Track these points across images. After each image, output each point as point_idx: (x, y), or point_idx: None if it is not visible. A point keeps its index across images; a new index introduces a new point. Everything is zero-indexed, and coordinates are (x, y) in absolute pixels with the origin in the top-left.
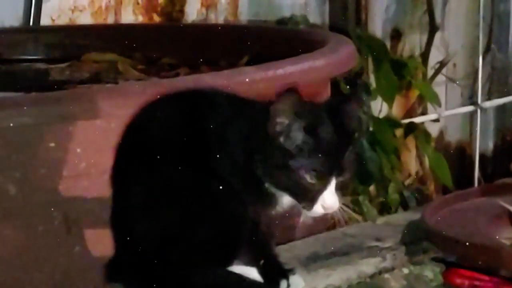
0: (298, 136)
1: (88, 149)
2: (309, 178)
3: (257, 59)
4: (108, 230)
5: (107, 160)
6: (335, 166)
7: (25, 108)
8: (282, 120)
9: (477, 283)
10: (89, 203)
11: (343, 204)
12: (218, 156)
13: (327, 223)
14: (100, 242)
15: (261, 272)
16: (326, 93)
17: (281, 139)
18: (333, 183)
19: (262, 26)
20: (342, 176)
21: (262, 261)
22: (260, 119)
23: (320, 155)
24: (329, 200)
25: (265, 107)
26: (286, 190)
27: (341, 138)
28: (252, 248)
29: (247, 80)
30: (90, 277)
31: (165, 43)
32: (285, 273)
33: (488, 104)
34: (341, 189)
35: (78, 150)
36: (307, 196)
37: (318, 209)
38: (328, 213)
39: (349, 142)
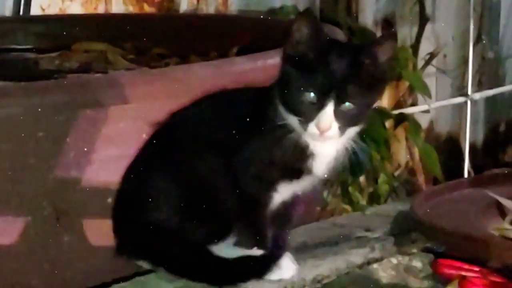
0: (310, 56)
1: (78, 139)
2: (309, 98)
3: (247, 50)
4: (99, 220)
5: (98, 150)
6: (335, 91)
7: (14, 97)
8: (301, 31)
9: (466, 273)
10: (79, 193)
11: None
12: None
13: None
14: (89, 232)
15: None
16: None
17: (297, 59)
18: (330, 106)
19: (252, 16)
20: (342, 103)
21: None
22: None
23: (322, 76)
24: (323, 120)
25: None
26: (293, 110)
27: (352, 73)
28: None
29: (236, 70)
30: (79, 267)
31: (155, 33)
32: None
33: (478, 95)
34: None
35: (68, 140)
36: (306, 115)
37: (312, 129)
38: (325, 138)
39: (362, 82)
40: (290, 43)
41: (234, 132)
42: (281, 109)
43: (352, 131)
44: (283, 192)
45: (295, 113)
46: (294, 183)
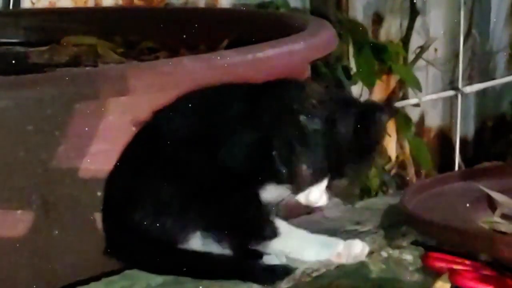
0: (317, 122)
1: (67, 133)
2: (304, 169)
3: (237, 43)
4: (88, 214)
5: (87, 143)
6: (334, 169)
7: (3, 91)
8: (312, 100)
9: (456, 267)
10: (68, 187)
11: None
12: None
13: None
14: (79, 226)
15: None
16: (305, 77)
17: (302, 117)
18: (323, 184)
19: (242, 10)
20: (339, 181)
21: None
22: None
23: (323, 153)
24: (313, 196)
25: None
26: (284, 169)
27: (354, 145)
28: None
29: (226, 63)
30: (69, 261)
31: (145, 26)
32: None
33: (469, 89)
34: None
35: (57, 133)
36: (297, 181)
37: (301, 198)
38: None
39: (362, 152)
40: (305, 104)
41: (223, 128)
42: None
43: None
44: (270, 192)
45: (286, 173)
46: (283, 186)
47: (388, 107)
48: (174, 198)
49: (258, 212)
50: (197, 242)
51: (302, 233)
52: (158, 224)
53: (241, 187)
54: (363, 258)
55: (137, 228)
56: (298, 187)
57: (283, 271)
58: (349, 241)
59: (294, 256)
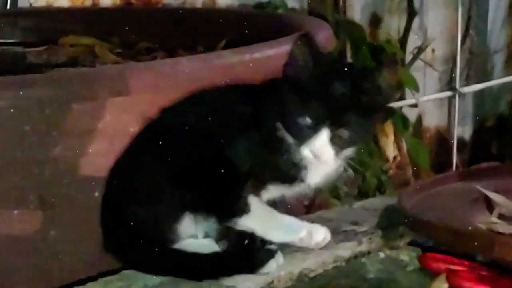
0: (308, 80)
1: (64, 133)
2: (304, 120)
3: (235, 43)
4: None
5: (84, 144)
6: (330, 118)
7: (1, 91)
8: (300, 54)
9: (453, 267)
10: (65, 187)
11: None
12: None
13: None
14: (76, 226)
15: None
16: None
17: (296, 69)
18: (324, 134)
19: (240, 10)
20: (337, 129)
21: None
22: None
23: (318, 103)
24: (318, 146)
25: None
26: (289, 130)
27: (350, 99)
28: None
29: (224, 63)
30: (66, 261)
31: (142, 27)
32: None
33: (466, 89)
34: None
35: (54, 133)
36: (301, 138)
37: (306, 152)
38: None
39: (361, 108)
40: (289, 65)
41: (229, 127)
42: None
43: (350, 151)
44: (271, 192)
45: (291, 133)
46: (285, 186)
47: (389, 66)
48: (167, 187)
49: (231, 187)
50: (189, 227)
51: (272, 213)
52: (151, 214)
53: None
54: (323, 245)
55: (131, 220)
56: (302, 139)
57: (266, 255)
58: (313, 227)
59: (259, 235)
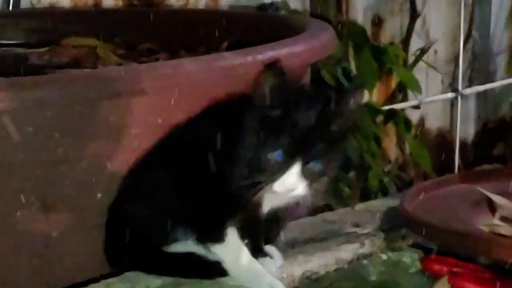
0: (273, 111)
1: (65, 135)
2: (275, 156)
3: (237, 45)
4: (88, 216)
5: (86, 145)
6: (302, 152)
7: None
8: (264, 88)
9: (455, 270)
10: (67, 189)
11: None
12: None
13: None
14: (78, 228)
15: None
16: (305, 79)
17: (264, 98)
18: (296, 168)
19: (242, 11)
20: (309, 163)
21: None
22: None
23: (289, 136)
24: (289, 181)
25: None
26: (255, 167)
27: (320, 129)
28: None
29: (226, 65)
30: (68, 263)
31: (145, 28)
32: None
33: (469, 91)
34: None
35: (56, 135)
36: (270, 174)
37: (277, 187)
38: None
39: (330, 137)
40: (258, 94)
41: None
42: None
43: (322, 182)
44: (270, 201)
45: (258, 170)
46: (279, 196)
47: (355, 91)
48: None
49: (215, 211)
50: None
51: (243, 253)
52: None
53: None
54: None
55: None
56: (272, 175)
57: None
58: (275, 284)
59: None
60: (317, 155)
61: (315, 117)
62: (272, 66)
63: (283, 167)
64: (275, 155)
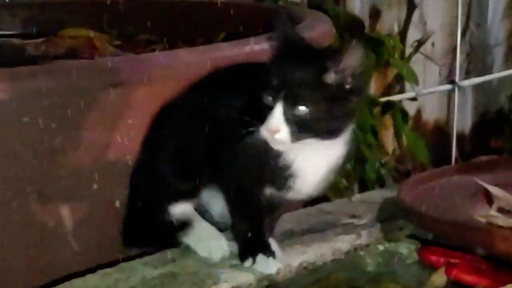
0: (277, 50)
1: (62, 125)
2: (266, 100)
3: (234, 36)
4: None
5: (83, 136)
6: (285, 92)
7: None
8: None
9: (452, 260)
10: (63, 179)
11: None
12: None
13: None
14: (74, 218)
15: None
16: None
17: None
18: (278, 108)
19: (240, 2)
20: (293, 106)
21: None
22: None
23: (276, 78)
24: (271, 121)
25: None
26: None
27: (310, 75)
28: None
29: (223, 56)
30: (64, 253)
31: (142, 19)
32: (255, 251)
33: (466, 82)
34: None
35: (53, 125)
36: (264, 118)
37: (263, 130)
38: (276, 142)
39: (325, 85)
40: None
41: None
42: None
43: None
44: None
45: (260, 118)
46: (279, 192)
47: (354, 47)
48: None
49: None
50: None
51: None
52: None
53: None
54: None
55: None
56: (264, 119)
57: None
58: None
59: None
60: (303, 100)
61: (307, 65)
62: (282, 13)
63: (271, 109)
64: (267, 97)
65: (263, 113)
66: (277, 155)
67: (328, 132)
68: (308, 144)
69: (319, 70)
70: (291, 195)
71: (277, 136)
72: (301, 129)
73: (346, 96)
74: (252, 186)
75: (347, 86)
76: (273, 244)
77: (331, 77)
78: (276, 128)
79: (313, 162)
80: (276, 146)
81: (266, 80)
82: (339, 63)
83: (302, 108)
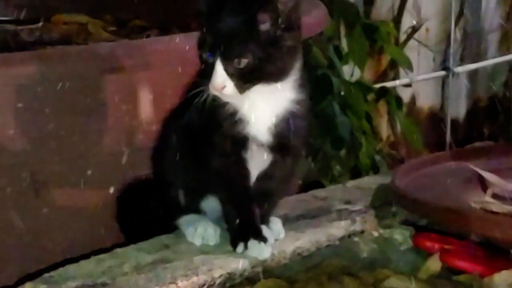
0: (206, 6)
1: (55, 111)
2: (207, 58)
3: None
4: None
5: (77, 122)
6: (221, 47)
7: None
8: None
9: (446, 247)
10: (58, 165)
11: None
12: None
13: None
14: (69, 204)
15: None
16: None
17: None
18: (218, 64)
19: None
20: (231, 59)
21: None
22: None
23: (210, 34)
24: (214, 79)
25: None
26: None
27: (242, 25)
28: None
29: None
30: (58, 239)
31: (136, 5)
32: (247, 237)
33: (461, 69)
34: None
35: (47, 111)
36: (208, 76)
37: (211, 87)
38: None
39: (259, 32)
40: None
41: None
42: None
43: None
44: (256, 163)
45: (206, 76)
46: (245, 153)
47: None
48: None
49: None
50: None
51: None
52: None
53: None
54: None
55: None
56: (209, 77)
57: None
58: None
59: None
60: (241, 53)
61: (238, 16)
62: None
63: (212, 66)
64: (207, 55)
65: (206, 71)
66: (225, 105)
67: (272, 76)
68: (254, 91)
69: (252, 19)
70: (252, 145)
71: (224, 91)
72: (245, 79)
73: (282, 37)
74: (219, 145)
75: (282, 26)
76: (266, 230)
77: (266, 25)
78: (221, 84)
79: (261, 106)
80: (226, 99)
81: (201, 37)
82: (273, 10)
83: (243, 60)
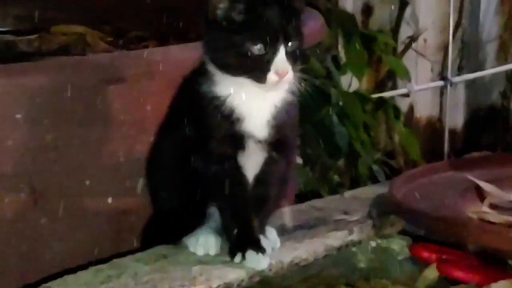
0: (238, 16)
1: (54, 121)
2: (257, 50)
3: None
4: (77, 202)
5: (76, 132)
6: (282, 34)
7: None
8: (221, 5)
9: (444, 257)
10: (56, 175)
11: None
12: None
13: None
14: (67, 215)
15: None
16: None
17: (224, 23)
18: (282, 50)
19: None
20: (290, 41)
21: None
22: None
23: (262, 27)
24: (281, 65)
25: None
26: (240, 69)
27: (283, 8)
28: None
29: None
30: (56, 249)
31: (134, 15)
32: (245, 247)
33: (458, 79)
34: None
35: (46, 121)
36: (260, 69)
37: (272, 77)
38: (283, 83)
39: (292, 11)
40: (211, 10)
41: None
42: (216, 78)
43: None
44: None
45: (242, 72)
46: (241, 154)
47: None
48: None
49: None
50: None
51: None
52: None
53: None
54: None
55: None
56: (263, 69)
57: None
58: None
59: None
60: (292, 34)
61: (277, 5)
62: None
63: (269, 55)
64: (256, 47)
65: (247, 65)
66: (221, 106)
67: (302, 59)
68: (249, 88)
69: (291, 6)
70: (249, 143)
71: (286, 77)
72: (294, 62)
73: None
74: (215, 149)
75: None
76: (264, 240)
77: (299, 10)
78: (287, 69)
79: (259, 101)
80: (269, 89)
81: (247, 32)
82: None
83: (293, 43)
